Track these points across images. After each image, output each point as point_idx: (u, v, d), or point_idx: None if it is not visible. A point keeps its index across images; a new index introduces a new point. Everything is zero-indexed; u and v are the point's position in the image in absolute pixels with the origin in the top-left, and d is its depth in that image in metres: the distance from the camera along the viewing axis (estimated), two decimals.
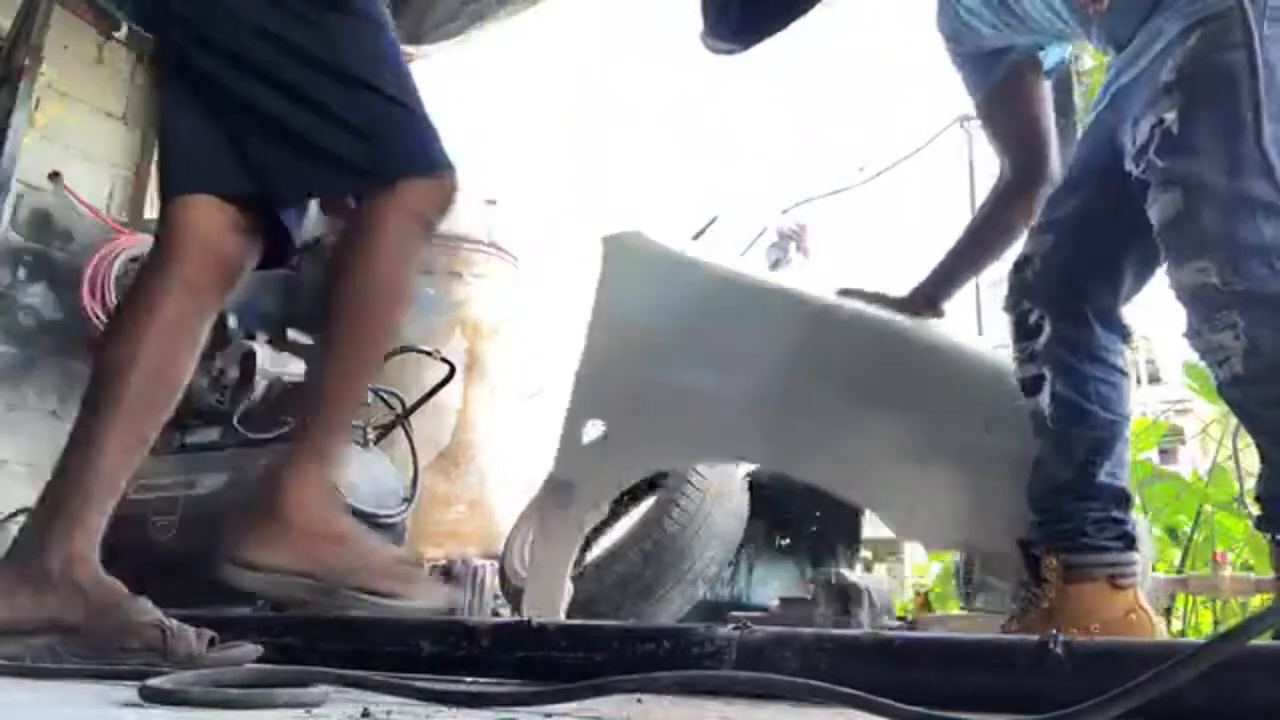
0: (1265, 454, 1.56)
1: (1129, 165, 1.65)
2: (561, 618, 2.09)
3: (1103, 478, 1.78)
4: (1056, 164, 2.10)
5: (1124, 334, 1.85)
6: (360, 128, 1.53)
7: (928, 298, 2.20)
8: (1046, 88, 2.17)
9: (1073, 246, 1.81)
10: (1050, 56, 2.15)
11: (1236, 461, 2.65)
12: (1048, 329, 1.81)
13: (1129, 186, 1.66)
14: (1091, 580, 1.73)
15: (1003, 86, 2.12)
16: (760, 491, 2.83)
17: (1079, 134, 2.05)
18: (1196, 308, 1.53)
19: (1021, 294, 1.87)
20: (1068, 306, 1.81)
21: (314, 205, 4.09)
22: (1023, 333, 1.86)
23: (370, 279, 1.52)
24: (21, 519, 1.68)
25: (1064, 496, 1.79)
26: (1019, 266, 1.90)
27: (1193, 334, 1.56)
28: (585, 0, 5.62)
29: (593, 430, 2.23)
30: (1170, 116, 1.54)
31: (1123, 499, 1.81)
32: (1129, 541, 1.78)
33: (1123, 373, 1.84)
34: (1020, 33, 2.01)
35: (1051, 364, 1.81)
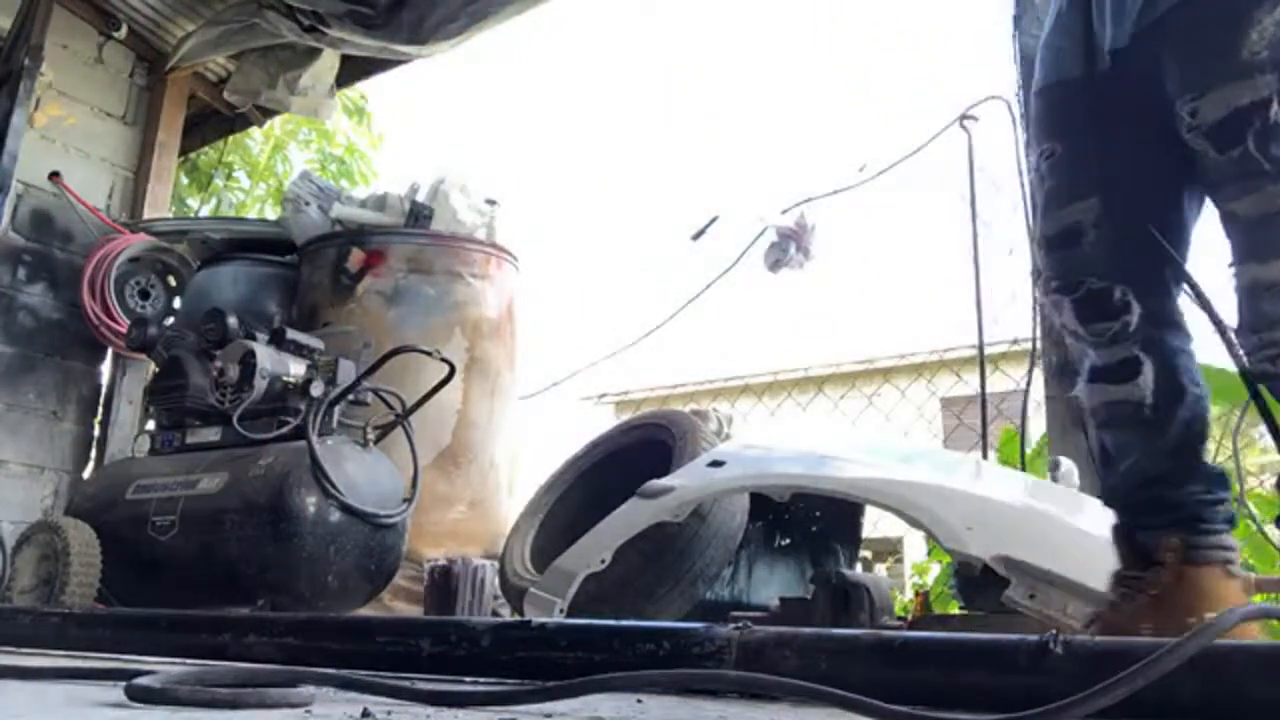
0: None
1: (1197, 141, 1.53)
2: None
3: (1204, 459, 1.65)
4: None
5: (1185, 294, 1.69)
6: None
7: None
8: None
9: (1130, 207, 1.63)
10: None
11: (1237, 462, 2.65)
12: (1136, 305, 1.64)
13: (1180, 139, 1.55)
14: (1210, 564, 1.58)
15: None
16: (760, 492, 2.82)
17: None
18: (1274, 301, 1.46)
19: (1084, 270, 1.68)
20: (1150, 275, 1.64)
21: (314, 210, 4.09)
22: (1098, 313, 1.67)
23: None
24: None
25: (1161, 486, 1.63)
26: (1068, 240, 1.69)
27: (1260, 329, 1.49)
28: (586, 0, 5.63)
29: None
30: (1274, 109, 1.44)
31: (1224, 480, 1.65)
32: (1233, 526, 1.64)
33: (1191, 338, 1.69)
34: None
35: (1143, 344, 1.64)
